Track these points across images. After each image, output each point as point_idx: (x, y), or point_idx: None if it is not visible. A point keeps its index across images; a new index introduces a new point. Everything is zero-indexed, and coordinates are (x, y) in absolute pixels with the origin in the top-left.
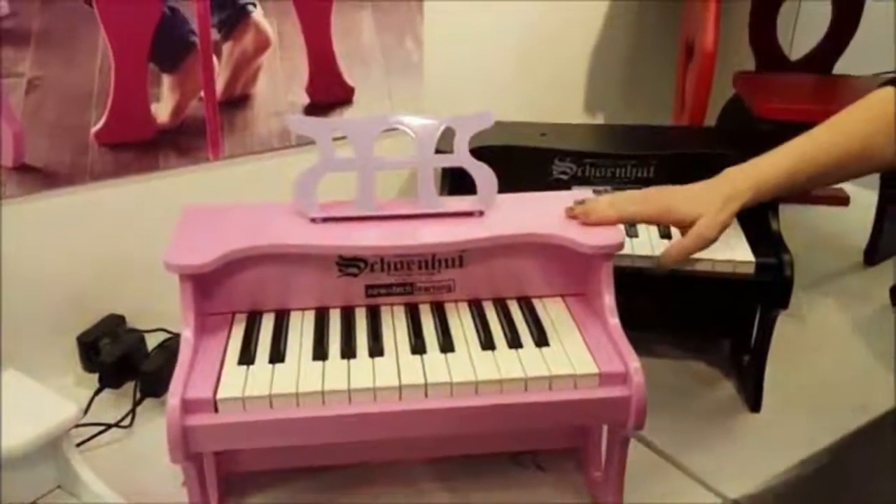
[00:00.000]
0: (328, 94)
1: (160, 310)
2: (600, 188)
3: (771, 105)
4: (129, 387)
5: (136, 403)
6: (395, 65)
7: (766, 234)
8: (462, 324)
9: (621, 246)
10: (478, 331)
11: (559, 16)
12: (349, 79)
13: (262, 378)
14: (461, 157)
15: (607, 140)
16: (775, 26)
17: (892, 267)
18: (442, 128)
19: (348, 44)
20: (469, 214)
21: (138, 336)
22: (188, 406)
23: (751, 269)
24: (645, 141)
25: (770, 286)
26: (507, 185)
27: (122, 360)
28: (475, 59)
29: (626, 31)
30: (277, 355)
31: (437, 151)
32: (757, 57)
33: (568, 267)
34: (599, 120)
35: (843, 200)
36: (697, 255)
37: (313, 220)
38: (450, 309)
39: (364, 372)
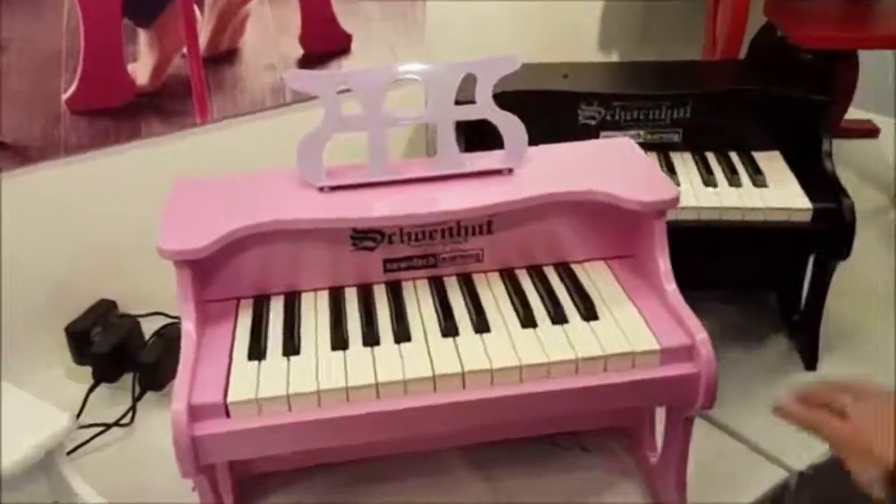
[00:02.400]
0: (324, 43)
1: (154, 291)
2: (632, 133)
3: (807, 33)
4: (127, 379)
5: (136, 399)
6: (394, 9)
7: (820, 175)
8: (496, 298)
9: (677, 201)
10: (515, 306)
11: None
12: (346, 26)
13: (276, 375)
14: (485, 108)
15: (636, 79)
16: None
17: None
18: (462, 75)
19: None
20: (497, 173)
21: (133, 322)
22: (196, 413)
23: (807, 217)
24: (677, 79)
25: (828, 234)
26: (528, 135)
27: (117, 350)
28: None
29: None
30: (292, 346)
31: (457, 103)
32: None
33: (611, 227)
34: (616, 59)
35: (873, 132)
36: (748, 205)
37: (321, 190)
38: (479, 281)
39: (391, 362)
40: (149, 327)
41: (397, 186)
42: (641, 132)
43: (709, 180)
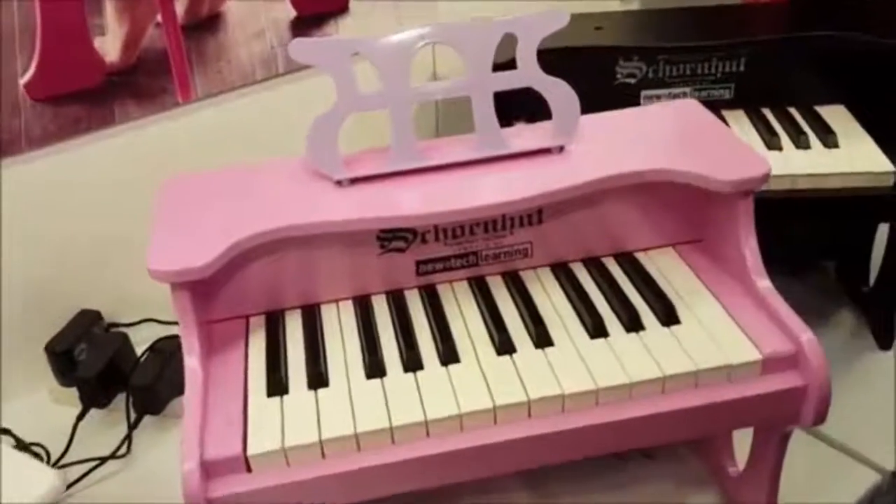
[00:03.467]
0: (317, 2)
1: (142, 296)
2: (678, 90)
3: None
4: (120, 399)
5: (132, 427)
6: None
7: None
8: (552, 301)
9: (768, 177)
10: (578, 311)
11: None
12: None
13: (304, 415)
14: (530, 74)
15: (679, 29)
16: None
17: None
18: (500, 36)
19: None
20: (546, 151)
21: (121, 336)
22: (211, 470)
23: (890, 181)
24: (725, 26)
25: None
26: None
27: (106, 372)
28: None
29: None
30: (318, 377)
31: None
32: None
33: (681, 207)
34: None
35: None
36: (826, 170)
37: (339, 184)
38: (530, 281)
39: (440, 391)
40: (140, 338)
41: (429, 175)
42: (688, 89)
43: (772, 142)
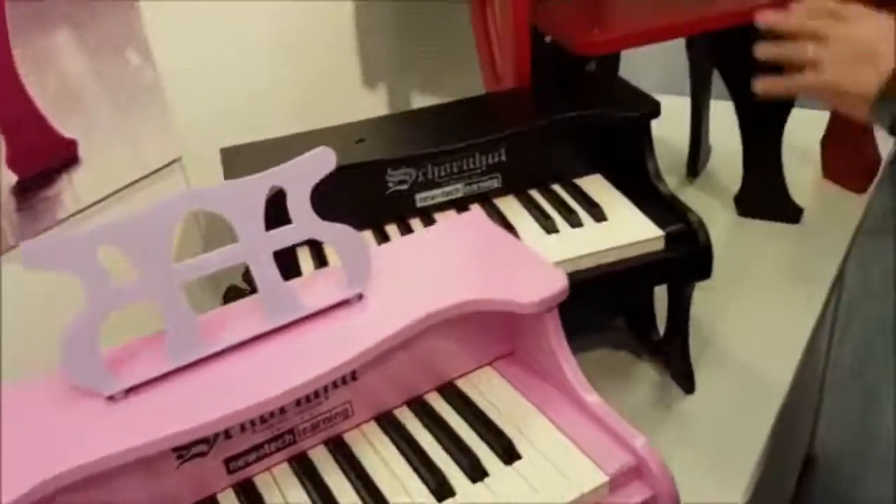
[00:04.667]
0: (40, 158)
1: None
2: (450, 188)
3: (596, 37)
4: None
5: None
6: (123, 92)
7: (655, 197)
8: (386, 461)
9: (566, 290)
10: (416, 468)
11: None
12: (64, 129)
13: None
14: (308, 226)
15: (439, 129)
16: None
17: (722, 175)
18: (265, 192)
19: (49, 81)
20: (344, 303)
21: None
22: None
23: (660, 245)
24: (482, 121)
25: (685, 258)
26: (335, 218)
27: None
28: (227, 58)
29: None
30: None
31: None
32: None
33: (493, 327)
34: (384, 106)
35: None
36: (603, 246)
37: (110, 399)
38: (356, 443)
39: None
40: None
41: (218, 359)
42: (460, 185)
43: (548, 226)
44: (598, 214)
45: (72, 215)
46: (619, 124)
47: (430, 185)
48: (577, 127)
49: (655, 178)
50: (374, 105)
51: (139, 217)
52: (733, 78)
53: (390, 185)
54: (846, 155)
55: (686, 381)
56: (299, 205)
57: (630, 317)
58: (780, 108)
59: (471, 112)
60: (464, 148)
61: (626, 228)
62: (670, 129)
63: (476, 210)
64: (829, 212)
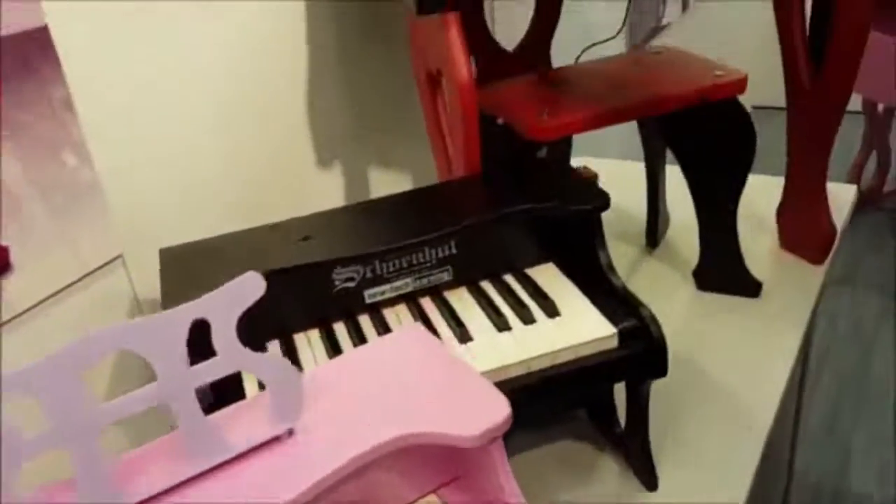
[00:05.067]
0: None
1: None
2: (400, 282)
3: (546, 123)
4: None
5: None
6: (60, 193)
7: (608, 291)
8: None
9: (510, 419)
10: None
11: (263, 77)
12: None
13: None
14: (234, 359)
15: (386, 225)
16: (483, 19)
17: (681, 244)
18: (188, 325)
19: None
20: (274, 440)
21: None
22: None
23: (615, 342)
24: (433, 214)
25: (639, 356)
26: (280, 318)
27: None
28: (168, 154)
29: (336, 82)
30: None
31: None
32: (476, 57)
33: (438, 456)
34: (339, 196)
35: (592, 177)
36: (557, 346)
37: None
38: None
39: None
40: None
41: None
42: (409, 279)
43: (500, 323)
44: (551, 309)
45: (4, 323)
46: (570, 217)
47: (379, 280)
48: (529, 218)
49: (608, 271)
50: (330, 185)
51: (46, 362)
52: (686, 157)
53: (337, 283)
54: (802, 226)
55: (648, 478)
56: (225, 336)
57: (591, 408)
58: (732, 187)
59: (420, 204)
60: (413, 244)
61: (579, 325)
62: (630, 195)
63: (416, 327)
64: (788, 282)
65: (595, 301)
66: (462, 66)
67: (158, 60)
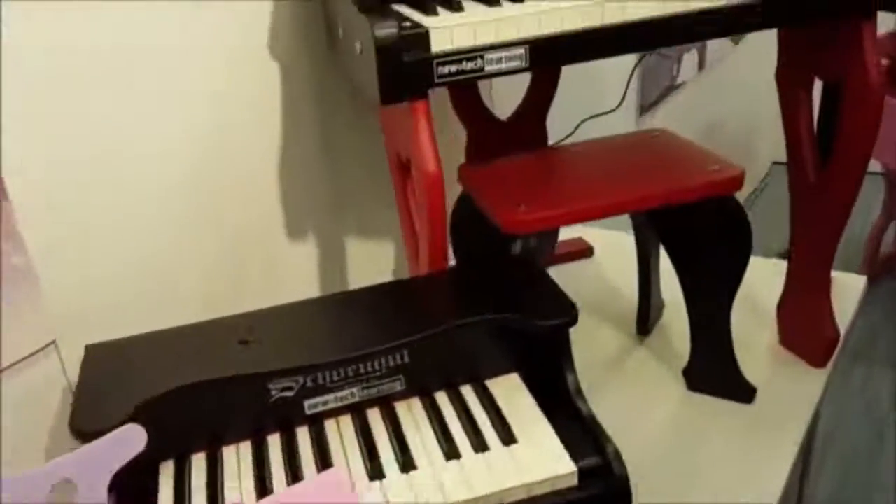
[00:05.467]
0: None
1: None
2: (345, 392)
3: (523, 216)
4: None
5: None
6: None
7: (573, 418)
8: None
9: None
10: None
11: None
12: None
13: None
14: None
15: (335, 329)
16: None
17: (675, 333)
18: (48, 487)
19: None
20: None
21: None
22: None
23: (574, 480)
24: (385, 316)
25: (600, 498)
26: (204, 430)
27: None
28: (117, 234)
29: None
30: None
31: None
32: (466, 125)
33: None
34: (313, 271)
35: (586, 252)
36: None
37: None
38: None
39: None
40: None
41: None
42: (356, 389)
43: (450, 450)
44: (508, 435)
45: None
46: (535, 331)
47: (322, 390)
48: (492, 328)
49: (575, 395)
50: (304, 259)
51: None
52: (676, 254)
53: (274, 392)
54: (803, 325)
55: None
56: (94, 499)
57: None
58: (726, 289)
59: (376, 306)
60: (361, 356)
61: (536, 458)
62: (626, 271)
63: (336, 473)
64: (786, 385)
65: (557, 426)
66: (429, 158)
67: (110, 134)
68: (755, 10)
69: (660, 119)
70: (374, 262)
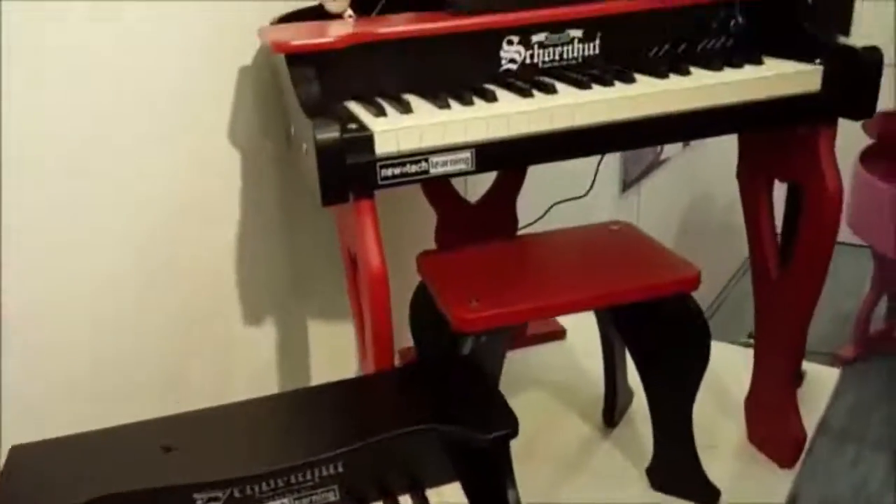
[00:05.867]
0: None
1: None
2: (278, 501)
3: (474, 313)
4: None
5: None
6: None
7: None
8: None
9: None
10: None
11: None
12: None
13: None
14: None
15: (265, 434)
16: None
17: (642, 424)
18: None
19: None
20: None
21: None
22: None
23: None
24: (322, 421)
25: None
26: None
27: None
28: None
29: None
30: None
31: None
32: (435, 207)
33: None
34: (272, 358)
35: (559, 334)
36: None
37: None
38: None
39: None
40: None
41: None
42: (287, 500)
43: None
44: None
45: None
46: (475, 443)
47: (250, 501)
48: (431, 438)
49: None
50: (262, 343)
51: None
52: (636, 351)
53: (199, 502)
54: (770, 424)
55: None
56: None
57: None
58: (685, 389)
59: (313, 409)
60: (294, 466)
61: None
62: (592, 353)
63: None
64: (752, 485)
65: None
66: (373, 255)
67: (67, 219)
68: (710, 117)
69: (644, 196)
70: (335, 344)
